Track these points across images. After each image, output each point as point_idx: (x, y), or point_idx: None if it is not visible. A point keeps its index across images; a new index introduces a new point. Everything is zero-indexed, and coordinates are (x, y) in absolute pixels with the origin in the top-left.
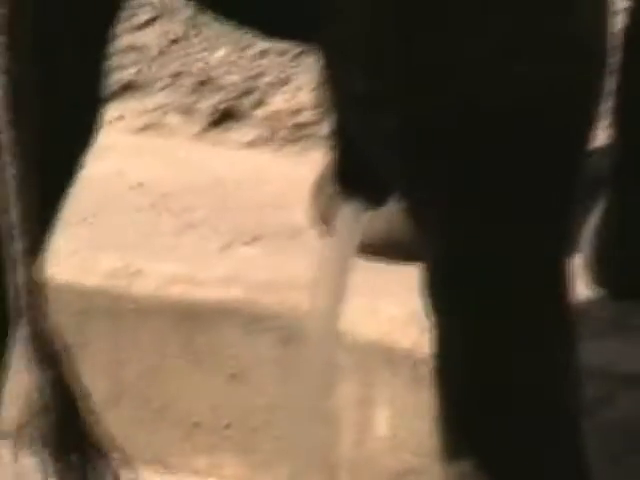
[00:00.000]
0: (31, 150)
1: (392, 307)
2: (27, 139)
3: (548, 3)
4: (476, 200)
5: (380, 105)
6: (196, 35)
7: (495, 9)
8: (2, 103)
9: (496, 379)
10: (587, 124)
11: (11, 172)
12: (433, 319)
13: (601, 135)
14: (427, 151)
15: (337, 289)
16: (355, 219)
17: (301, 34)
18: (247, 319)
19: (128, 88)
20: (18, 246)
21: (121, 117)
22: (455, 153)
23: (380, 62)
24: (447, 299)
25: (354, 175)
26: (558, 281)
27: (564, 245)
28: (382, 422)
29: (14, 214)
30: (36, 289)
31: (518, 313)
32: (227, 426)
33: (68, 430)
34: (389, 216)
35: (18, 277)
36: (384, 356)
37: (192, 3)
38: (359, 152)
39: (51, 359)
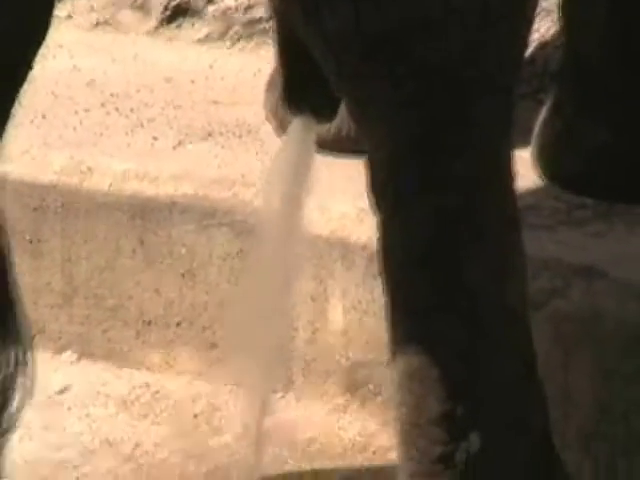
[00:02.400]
0: None
1: (344, 204)
2: None
3: None
4: (421, 94)
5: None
6: None
7: None
8: None
9: (438, 276)
10: (529, 10)
11: None
12: (377, 216)
13: (553, 29)
14: (369, 53)
15: (294, 190)
16: (306, 133)
17: None
18: (200, 215)
19: None
20: None
21: (72, 14)
22: (397, 56)
23: None
24: (390, 198)
25: (301, 90)
26: (504, 171)
27: (509, 126)
28: (335, 317)
29: None
30: None
31: (466, 203)
32: (180, 323)
33: None
34: (341, 112)
35: None
36: (338, 252)
37: None
38: (305, 66)
39: None
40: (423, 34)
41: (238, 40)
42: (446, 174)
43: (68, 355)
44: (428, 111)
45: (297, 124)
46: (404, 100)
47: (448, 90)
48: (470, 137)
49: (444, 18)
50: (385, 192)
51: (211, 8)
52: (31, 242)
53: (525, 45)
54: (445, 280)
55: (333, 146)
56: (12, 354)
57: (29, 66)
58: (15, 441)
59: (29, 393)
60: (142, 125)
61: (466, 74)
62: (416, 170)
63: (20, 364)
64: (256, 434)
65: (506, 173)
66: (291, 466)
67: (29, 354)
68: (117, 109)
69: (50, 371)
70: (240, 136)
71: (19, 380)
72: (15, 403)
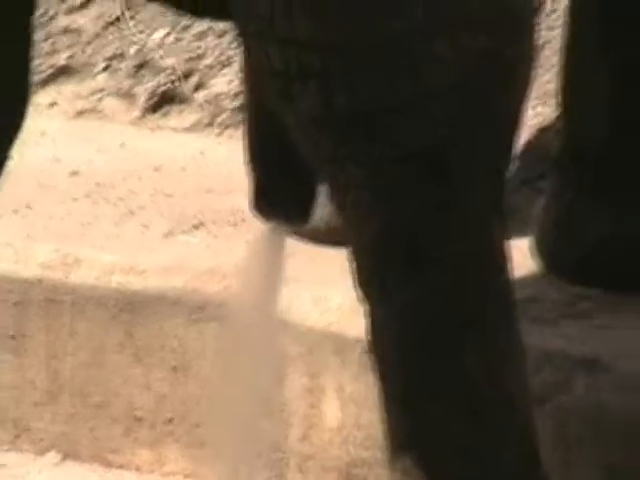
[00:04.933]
0: None
1: (339, 295)
2: None
3: None
4: (402, 177)
5: (302, 82)
6: (132, 17)
7: None
8: None
9: (433, 365)
10: (519, 91)
11: None
12: (365, 306)
13: (551, 115)
14: (344, 136)
15: (272, 279)
16: (279, 239)
17: (220, 11)
18: (190, 308)
19: (62, 72)
20: None
21: (55, 103)
22: (373, 139)
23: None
24: (375, 287)
25: (271, 197)
26: (496, 255)
27: (500, 209)
28: (331, 413)
29: None
30: None
31: (456, 287)
32: (170, 420)
33: None
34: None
35: None
36: (332, 345)
37: None
38: (274, 174)
39: None
40: (398, 115)
41: (227, 127)
42: (434, 257)
43: (52, 455)
44: (409, 196)
45: (267, 234)
46: (383, 185)
47: (429, 173)
48: (457, 218)
49: (418, 97)
50: (370, 281)
51: (198, 95)
52: (14, 338)
53: (517, 124)
54: (440, 369)
55: (326, 238)
56: None
57: (7, 155)
58: None
59: None
60: (132, 213)
61: (448, 154)
62: (401, 257)
63: None
64: None
65: (497, 254)
66: None
67: None
68: (105, 198)
69: (33, 473)
70: (235, 224)
71: None
72: None
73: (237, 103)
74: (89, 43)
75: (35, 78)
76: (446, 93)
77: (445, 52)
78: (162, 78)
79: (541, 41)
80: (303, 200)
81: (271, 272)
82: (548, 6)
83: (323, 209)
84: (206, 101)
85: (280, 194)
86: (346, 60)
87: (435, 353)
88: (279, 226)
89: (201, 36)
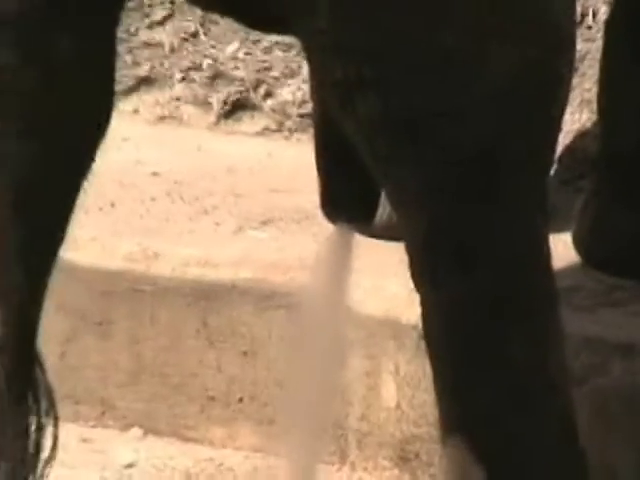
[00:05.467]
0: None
1: (396, 285)
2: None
3: None
4: (453, 178)
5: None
6: (206, 32)
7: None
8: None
9: (480, 355)
10: (562, 98)
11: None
12: (419, 296)
13: (592, 119)
14: (398, 138)
15: (340, 271)
16: (344, 238)
17: (285, 27)
18: (258, 298)
19: (144, 82)
20: None
21: (137, 110)
22: (425, 141)
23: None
24: (428, 280)
25: (338, 201)
26: (541, 253)
27: (544, 209)
28: (387, 394)
29: None
30: None
31: (503, 284)
32: (240, 400)
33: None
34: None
35: None
36: (389, 331)
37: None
38: (341, 178)
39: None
40: (450, 121)
41: (293, 132)
42: (482, 255)
43: (134, 431)
44: (459, 197)
45: (334, 234)
46: (434, 186)
47: (478, 176)
48: (504, 219)
49: (467, 104)
50: (424, 274)
51: (268, 102)
52: (100, 324)
53: (559, 129)
54: (487, 359)
55: (384, 234)
56: (35, 418)
57: (92, 158)
58: None
59: (53, 454)
60: (205, 211)
61: (497, 158)
62: (450, 254)
63: (42, 428)
64: None
65: (542, 252)
66: None
67: (51, 417)
68: (181, 198)
69: (118, 447)
70: (298, 222)
71: (42, 443)
72: (41, 465)
73: (302, 110)
74: (168, 56)
75: (119, 87)
76: (494, 100)
77: (494, 61)
78: (234, 88)
79: (581, 52)
80: (366, 203)
81: (340, 266)
82: (589, 20)
83: (382, 207)
84: (273, 109)
85: (345, 198)
86: (400, 69)
87: (482, 345)
88: (346, 227)
89: (269, 50)
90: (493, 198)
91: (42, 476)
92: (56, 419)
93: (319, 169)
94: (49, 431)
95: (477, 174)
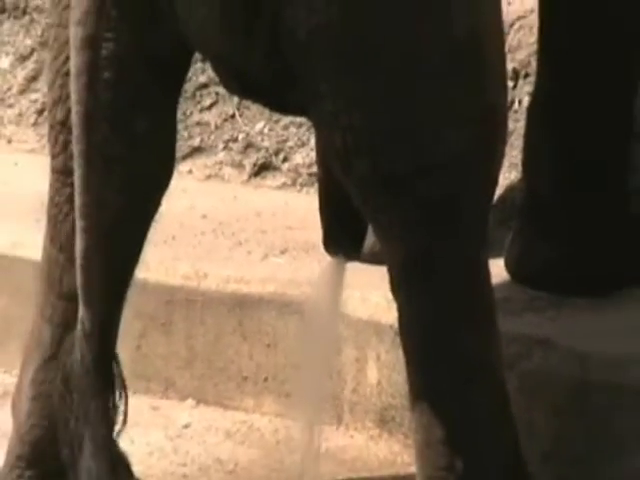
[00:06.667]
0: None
1: (378, 297)
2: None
3: (473, 85)
4: (424, 219)
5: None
6: (241, 114)
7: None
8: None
9: (441, 344)
10: (499, 161)
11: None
12: (397, 304)
13: (518, 177)
14: (383, 190)
15: (336, 288)
16: (338, 268)
17: (300, 110)
18: (279, 305)
19: (196, 151)
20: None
21: (191, 170)
22: (409, 194)
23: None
24: (402, 293)
25: (337, 240)
26: (483, 271)
27: (485, 240)
28: (372, 374)
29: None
30: None
31: (458, 295)
32: (265, 379)
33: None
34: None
35: None
36: (373, 330)
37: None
38: (339, 222)
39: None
40: (420, 177)
41: (303, 186)
42: (444, 275)
43: (189, 402)
44: (429, 231)
45: (332, 263)
46: (411, 224)
47: (444, 215)
48: (460, 249)
49: (434, 166)
50: (400, 289)
51: (286, 165)
52: (164, 324)
53: (496, 183)
54: (447, 349)
55: (371, 259)
56: (112, 396)
57: (159, 204)
58: (151, 460)
59: (125, 419)
60: (240, 244)
61: (457, 204)
62: (421, 273)
63: (118, 404)
64: (316, 455)
65: (484, 272)
66: (341, 477)
67: (123, 395)
68: (223, 233)
69: (177, 413)
70: (307, 251)
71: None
72: (117, 425)
73: (310, 170)
74: (213, 132)
75: (178, 154)
76: (452, 161)
77: (450, 135)
78: (261, 154)
79: (510, 128)
80: (355, 240)
81: (336, 284)
82: (515, 106)
83: (369, 239)
84: (289, 169)
85: (340, 236)
86: (384, 141)
87: (442, 339)
88: (341, 258)
89: (286, 126)
90: (454, 233)
91: (119, 435)
92: (126, 394)
93: (322, 214)
94: (122, 402)
95: (442, 216)
